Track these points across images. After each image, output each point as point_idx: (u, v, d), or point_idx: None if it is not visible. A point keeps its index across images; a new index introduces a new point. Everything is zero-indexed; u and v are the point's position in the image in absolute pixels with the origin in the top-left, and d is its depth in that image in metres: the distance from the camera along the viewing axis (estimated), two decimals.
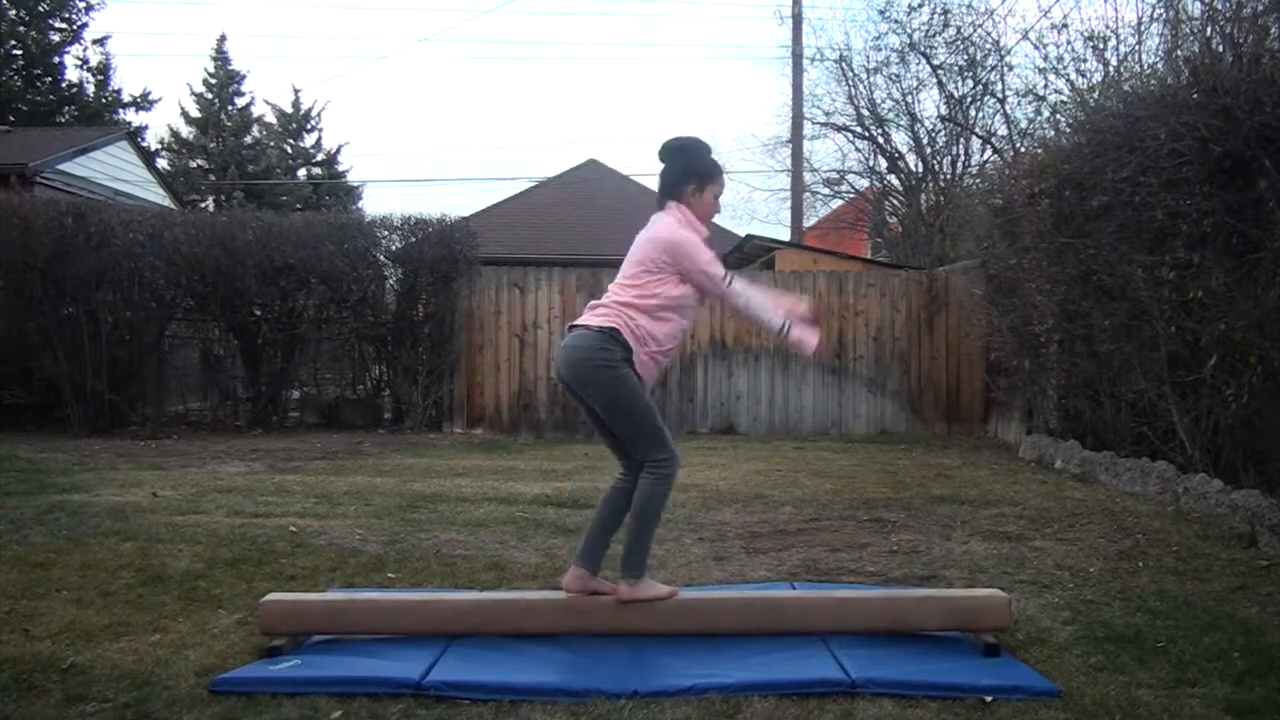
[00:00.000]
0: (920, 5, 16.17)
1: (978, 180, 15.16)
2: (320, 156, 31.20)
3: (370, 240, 10.72)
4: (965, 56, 16.07)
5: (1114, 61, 10.19)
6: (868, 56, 19.15)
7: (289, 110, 30.69)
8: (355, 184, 31.54)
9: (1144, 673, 2.99)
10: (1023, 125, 14.41)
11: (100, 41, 23.94)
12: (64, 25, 23.46)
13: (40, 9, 22.93)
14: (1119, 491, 6.27)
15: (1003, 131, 15.67)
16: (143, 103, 24.95)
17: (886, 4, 16.96)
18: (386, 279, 11.03)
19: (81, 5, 23.44)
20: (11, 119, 19.65)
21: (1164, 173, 5.68)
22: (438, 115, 59.92)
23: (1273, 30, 5.93)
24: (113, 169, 15.55)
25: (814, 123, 19.80)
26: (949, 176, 18.05)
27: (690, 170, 3.41)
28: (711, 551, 4.71)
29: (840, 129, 19.94)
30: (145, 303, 10.09)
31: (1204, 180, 5.51)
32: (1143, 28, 9.30)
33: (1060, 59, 12.30)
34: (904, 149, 18.99)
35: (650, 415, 3.30)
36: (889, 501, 6.04)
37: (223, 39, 29.88)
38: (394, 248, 10.81)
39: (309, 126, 31.03)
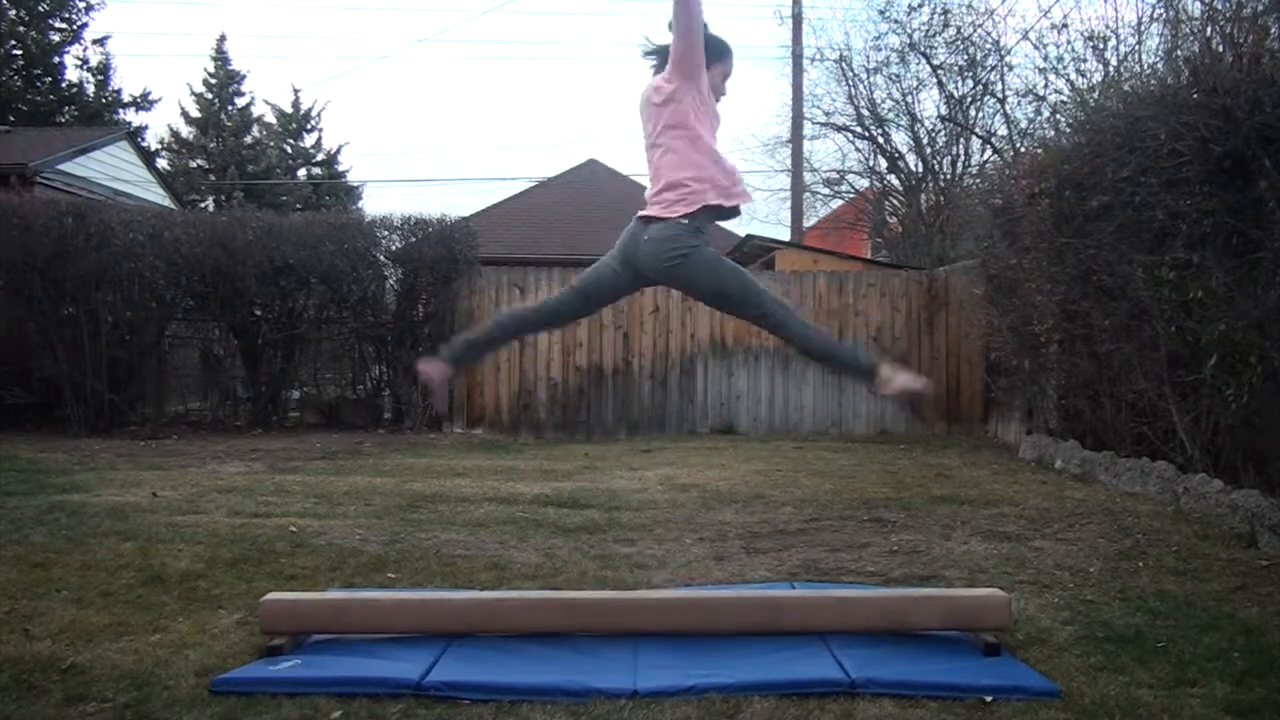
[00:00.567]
0: (920, 5, 16.17)
1: (978, 180, 15.15)
2: (320, 156, 31.23)
3: (370, 240, 10.72)
4: (965, 56, 16.07)
5: (1114, 61, 10.18)
6: (868, 56, 19.19)
7: (289, 110, 30.71)
8: (355, 184, 31.60)
9: (1144, 673, 2.99)
10: (1023, 125, 14.41)
11: (100, 41, 23.98)
12: (64, 25, 23.47)
13: (40, 9, 22.93)
14: (1119, 491, 6.27)
15: (1003, 131, 15.68)
16: (143, 103, 24.97)
17: (886, 4, 16.97)
18: (386, 279, 11.03)
19: (81, 5, 23.46)
20: (11, 119, 19.65)
21: (1164, 173, 5.68)
22: (438, 115, 60.02)
23: (1273, 30, 5.93)
24: (113, 169, 15.55)
25: (814, 123, 19.82)
26: (949, 176, 18.06)
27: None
28: (711, 551, 4.71)
29: (840, 129, 19.96)
30: (145, 303, 10.09)
31: (1204, 180, 5.51)
32: (1143, 28, 9.30)
33: (1060, 59, 12.29)
34: (904, 149, 19.02)
35: (745, 274, 3.25)
36: (889, 501, 6.04)
37: (223, 39, 29.95)
38: (394, 248, 10.82)
39: (309, 126, 31.05)
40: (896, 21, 16.93)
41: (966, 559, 4.52)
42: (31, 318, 9.81)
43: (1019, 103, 14.83)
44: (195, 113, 29.13)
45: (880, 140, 19.12)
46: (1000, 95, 15.46)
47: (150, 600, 3.75)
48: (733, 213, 3.24)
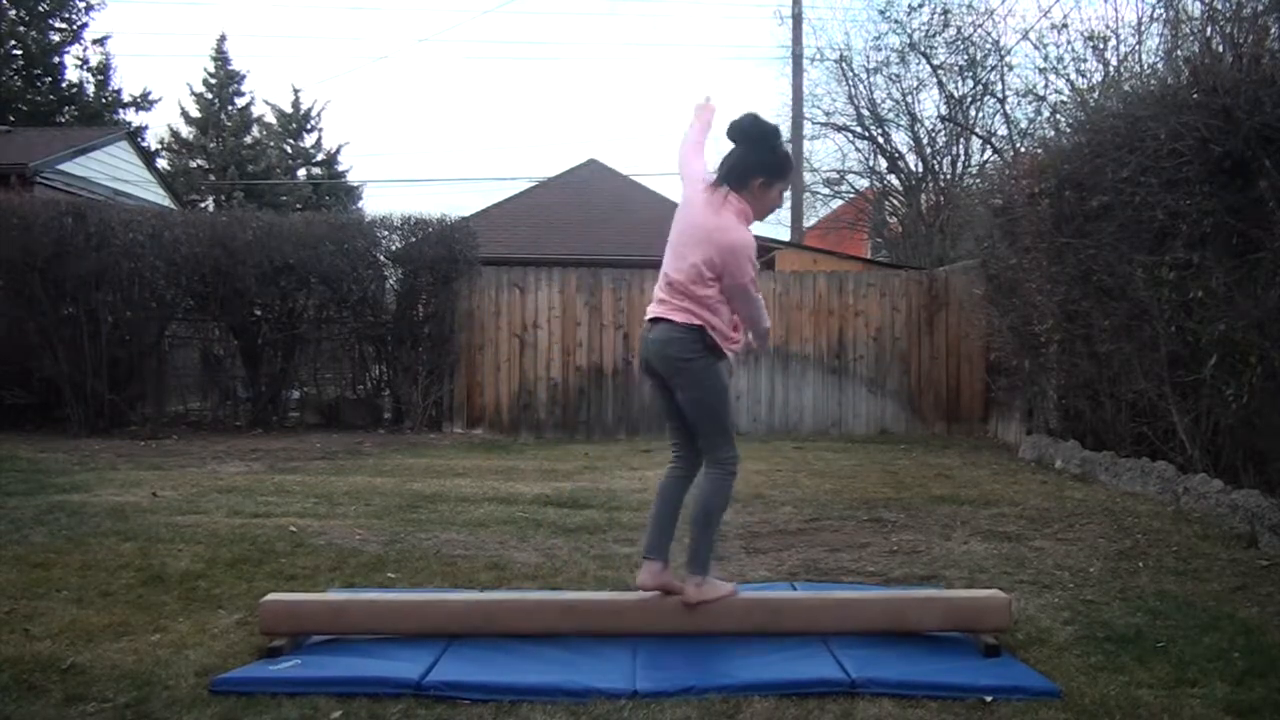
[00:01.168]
0: (920, 5, 16.22)
1: (978, 180, 15.17)
2: (320, 156, 31.21)
3: (370, 240, 10.71)
4: (965, 56, 16.11)
5: (1114, 61, 10.20)
6: (868, 56, 19.26)
7: (289, 110, 30.70)
8: (355, 184, 31.58)
9: (1144, 673, 2.99)
10: (1023, 125, 14.44)
11: (100, 41, 23.97)
12: (64, 25, 23.47)
13: (40, 9, 22.93)
14: (1119, 491, 6.27)
15: (1003, 131, 15.70)
16: (143, 103, 24.97)
17: (886, 4, 17.02)
18: (386, 279, 11.03)
19: (81, 5, 23.46)
20: (11, 119, 19.65)
21: (1164, 173, 5.68)
22: (438, 115, 60.00)
23: (1273, 30, 5.93)
24: (113, 169, 15.55)
25: (814, 123, 19.84)
26: (949, 176, 18.08)
27: (765, 163, 3.30)
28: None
29: (840, 129, 19.98)
30: (145, 303, 10.08)
31: (1204, 180, 5.51)
32: (1143, 28, 9.32)
33: (1060, 59, 12.36)
34: (904, 149, 19.05)
35: (728, 414, 3.41)
36: (889, 501, 6.04)
37: (223, 39, 29.92)
38: (394, 248, 10.81)
39: (309, 126, 31.03)
40: (896, 21, 17.00)
41: (966, 559, 4.52)
42: (31, 318, 9.81)
43: (1019, 103, 14.87)
44: (195, 113, 29.12)
45: (880, 140, 19.16)
46: (1000, 95, 15.50)
47: (150, 600, 3.75)
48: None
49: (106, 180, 15.02)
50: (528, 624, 3.35)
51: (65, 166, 14.27)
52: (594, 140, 62.09)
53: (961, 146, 17.92)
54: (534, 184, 20.64)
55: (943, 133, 17.91)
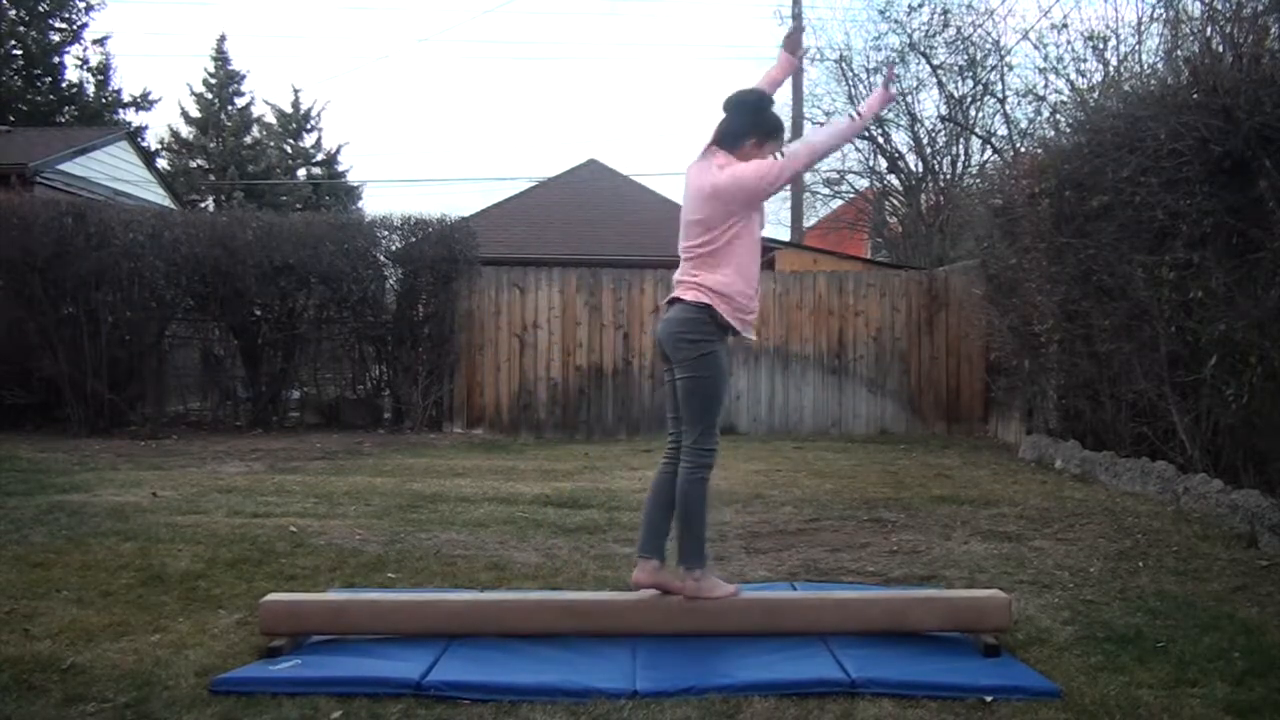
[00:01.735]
0: (920, 5, 16.20)
1: (978, 180, 15.16)
2: (320, 156, 31.18)
3: (370, 240, 10.72)
4: (965, 56, 16.09)
5: (1114, 61, 10.18)
6: (868, 56, 19.17)
7: (289, 110, 30.68)
8: (355, 184, 31.55)
9: (1144, 673, 2.99)
10: (1023, 125, 14.42)
11: (100, 41, 23.94)
12: (64, 25, 23.44)
13: (40, 9, 22.91)
14: (1119, 491, 6.27)
15: (1003, 131, 15.68)
16: (143, 103, 24.94)
17: (886, 4, 16.99)
18: (386, 279, 11.03)
19: (81, 5, 23.43)
20: (11, 119, 19.64)
21: (1164, 173, 5.68)
22: (438, 115, 60.00)
23: (1273, 30, 5.93)
24: (113, 169, 15.55)
25: (814, 123, 19.77)
26: (949, 176, 18.07)
27: (755, 123, 3.39)
28: (712, 551, 4.70)
29: None
30: (145, 303, 10.08)
31: (1204, 180, 5.52)
32: (1143, 28, 9.29)
33: (1060, 59, 12.32)
34: (904, 149, 19.02)
35: (717, 404, 3.37)
36: (889, 501, 6.04)
37: (223, 39, 29.90)
38: (394, 248, 10.81)
39: (309, 126, 31.01)
40: (896, 21, 16.97)
41: (966, 559, 4.52)
42: (31, 318, 9.81)
43: (1019, 103, 14.85)
44: (195, 113, 29.11)
45: (880, 140, 19.12)
46: (1000, 95, 15.48)
47: (150, 600, 3.75)
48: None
49: (106, 180, 15.02)
50: (528, 624, 3.35)
51: (65, 166, 14.26)
52: (594, 140, 62.09)
53: (961, 146, 17.92)
54: (534, 184, 20.64)
55: (943, 133, 17.91)
